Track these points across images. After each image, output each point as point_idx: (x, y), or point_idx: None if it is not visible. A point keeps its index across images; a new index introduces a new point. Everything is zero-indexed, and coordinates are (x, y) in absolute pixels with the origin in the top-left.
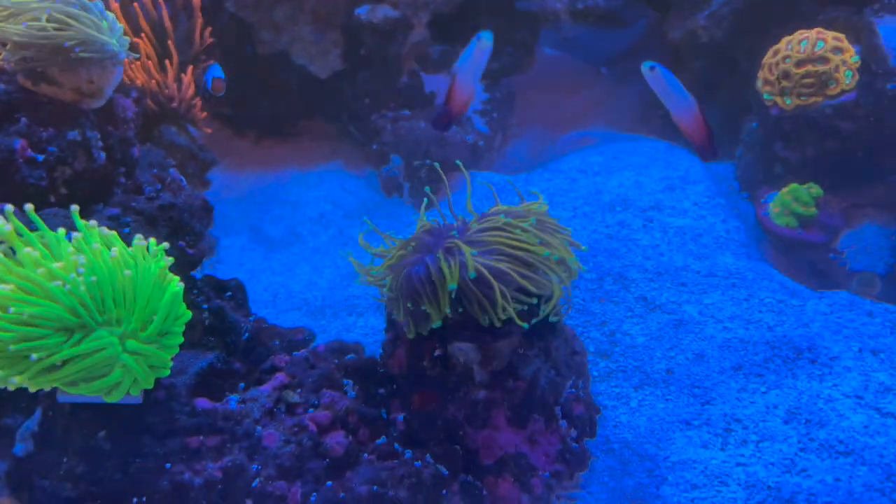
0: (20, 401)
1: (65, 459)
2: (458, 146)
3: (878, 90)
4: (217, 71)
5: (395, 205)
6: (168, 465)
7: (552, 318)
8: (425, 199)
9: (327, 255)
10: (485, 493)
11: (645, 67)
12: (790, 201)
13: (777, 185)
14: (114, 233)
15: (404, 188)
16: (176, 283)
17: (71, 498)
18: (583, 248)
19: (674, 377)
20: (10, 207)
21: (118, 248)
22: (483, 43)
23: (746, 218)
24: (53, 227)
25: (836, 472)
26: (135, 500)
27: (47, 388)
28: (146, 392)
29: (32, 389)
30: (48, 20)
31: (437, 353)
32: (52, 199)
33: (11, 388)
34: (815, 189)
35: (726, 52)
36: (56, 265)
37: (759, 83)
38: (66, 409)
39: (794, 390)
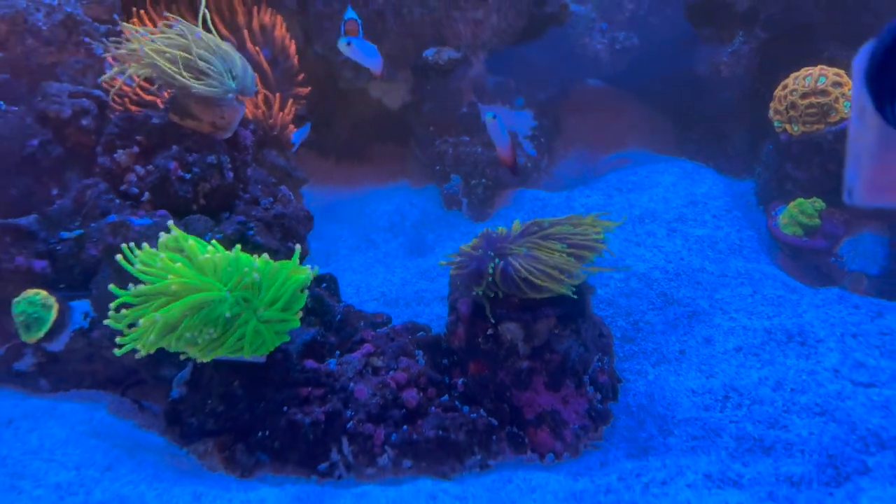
0: (174, 357)
1: (209, 401)
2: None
3: None
4: (304, 132)
5: (455, 217)
6: (285, 408)
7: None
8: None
9: (397, 259)
10: (526, 440)
11: (488, 116)
12: (797, 213)
13: (788, 200)
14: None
15: (463, 203)
16: (299, 278)
17: (212, 430)
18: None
19: (685, 357)
20: (171, 222)
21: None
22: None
23: (760, 228)
24: (197, 230)
25: (810, 428)
26: (259, 433)
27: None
28: (269, 354)
29: (201, 358)
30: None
31: (489, 331)
32: (195, 207)
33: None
34: (819, 203)
35: (747, 83)
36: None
37: (771, 112)
38: (211, 363)
39: (784, 366)
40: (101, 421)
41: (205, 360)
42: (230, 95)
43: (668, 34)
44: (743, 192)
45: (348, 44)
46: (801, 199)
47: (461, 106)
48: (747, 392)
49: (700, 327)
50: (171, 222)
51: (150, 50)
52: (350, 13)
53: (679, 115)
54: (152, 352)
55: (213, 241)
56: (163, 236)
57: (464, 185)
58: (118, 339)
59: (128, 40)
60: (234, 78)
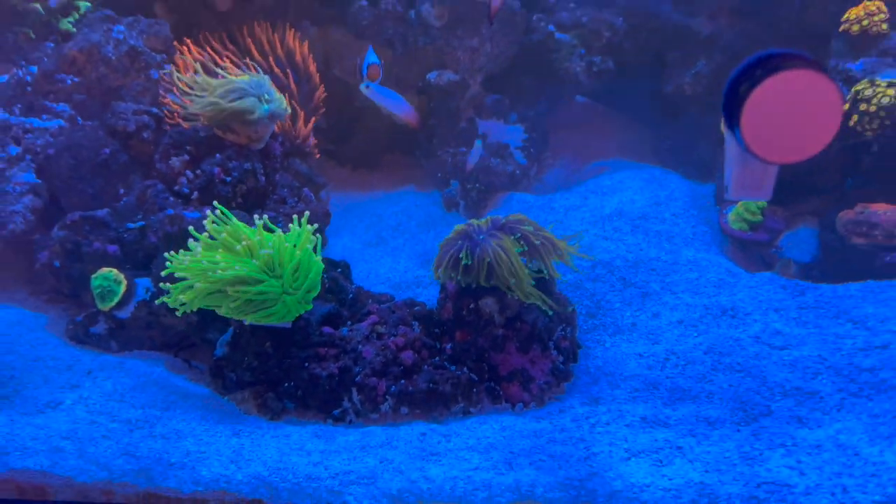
0: (217, 323)
1: (245, 358)
2: (500, 175)
3: None
4: (374, 57)
5: (453, 217)
6: (306, 364)
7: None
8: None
9: (403, 252)
10: (501, 392)
11: (362, 87)
12: (742, 211)
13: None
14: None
15: (460, 205)
16: (319, 261)
17: (248, 382)
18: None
19: (636, 328)
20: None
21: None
22: (365, 90)
23: (713, 225)
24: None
25: (730, 381)
26: (286, 384)
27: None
28: (294, 321)
29: (234, 317)
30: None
31: (471, 305)
32: (234, 204)
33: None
34: (761, 203)
35: (707, 100)
36: (244, 243)
37: (722, 126)
38: (248, 328)
39: (716, 335)
40: (160, 374)
41: (243, 321)
42: (263, 116)
43: (640, 58)
44: (704, 195)
45: (367, 87)
46: (747, 201)
47: (460, 121)
48: (683, 355)
49: (651, 304)
50: (215, 213)
51: (203, 82)
52: (371, 56)
53: (652, 127)
54: (195, 309)
55: (258, 223)
56: (208, 223)
57: (461, 190)
58: (167, 291)
59: (184, 70)
60: (267, 101)
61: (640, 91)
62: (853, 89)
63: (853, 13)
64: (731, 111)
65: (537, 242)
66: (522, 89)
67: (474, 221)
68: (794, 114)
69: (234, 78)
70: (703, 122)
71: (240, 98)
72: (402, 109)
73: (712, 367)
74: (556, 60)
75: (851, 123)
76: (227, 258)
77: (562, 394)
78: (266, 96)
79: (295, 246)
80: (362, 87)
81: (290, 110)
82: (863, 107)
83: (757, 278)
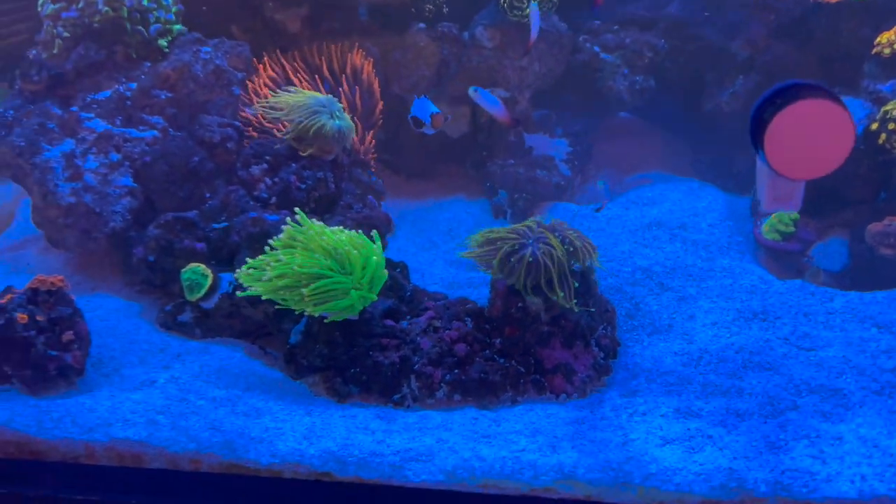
0: (292, 314)
1: (317, 346)
2: (545, 185)
3: None
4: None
5: (501, 224)
6: (370, 352)
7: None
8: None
9: (454, 255)
10: (546, 384)
11: (471, 90)
12: (776, 223)
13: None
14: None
15: (508, 213)
16: (379, 259)
17: (319, 367)
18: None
19: (672, 329)
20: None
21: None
22: (473, 94)
23: (748, 235)
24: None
25: (759, 378)
26: (352, 370)
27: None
28: (360, 313)
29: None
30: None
31: (519, 304)
32: (307, 210)
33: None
34: (794, 214)
35: (744, 117)
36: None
37: None
38: (319, 318)
39: (747, 336)
40: (240, 359)
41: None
42: (334, 132)
43: (680, 77)
44: (740, 207)
45: (475, 91)
46: (780, 213)
47: (509, 135)
48: (716, 353)
49: (686, 307)
50: (292, 218)
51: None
52: (429, 105)
53: (692, 142)
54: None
55: (338, 228)
56: (286, 227)
57: (508, 199)
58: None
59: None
60: (337, 118)
61: (680, 108)
62: (882, 109)
63: (885, 37)
64: (757, 135)
65: (579, 244)
66: (567, 105)
67: (525, 225)
68: (811, 137)
69: (307, 95)
70: (739, 137)
71: (314, 114)
72: (499, 111)
73: (743, 364)
74: (600, 79)
75: (881, 141)
76: (305, 256)
77: (602, 387)
78: (337, 113)
79: (364, 246)
80: (471, 91)
81: (355, 126)
82: (891, 125)
83: (788, 285)
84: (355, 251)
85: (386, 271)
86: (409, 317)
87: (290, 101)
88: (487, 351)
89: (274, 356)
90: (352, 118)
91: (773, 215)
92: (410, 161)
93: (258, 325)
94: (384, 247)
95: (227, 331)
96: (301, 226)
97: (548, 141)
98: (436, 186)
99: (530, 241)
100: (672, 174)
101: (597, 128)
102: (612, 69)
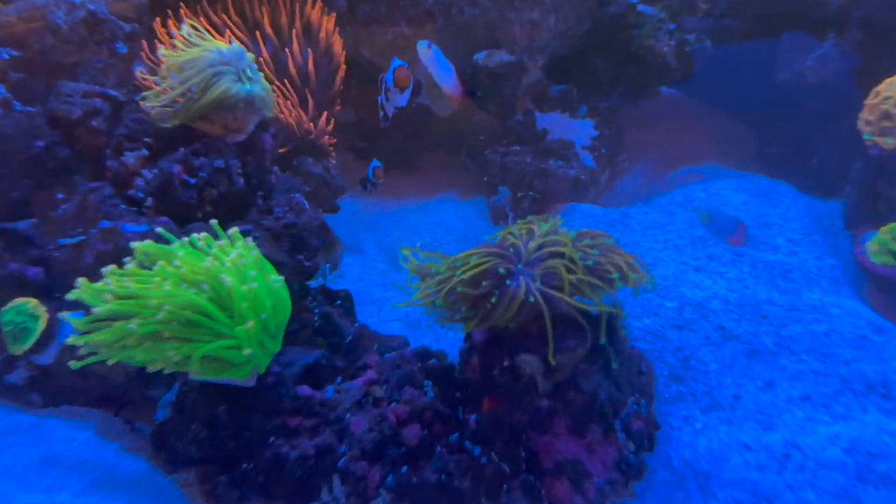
0: (162, 377)
1: (192, 426)
2: (560, 179)
3: None
4: (376, 162)
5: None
6: (271, 438)
7: (601, 342)
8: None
9: None
10: (542, 491)
11: (422, 46)
12: (888, 240)
13: (879, 225)
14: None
15: (510, 217)
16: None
17: (195, 458)
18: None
19: (740, 404)
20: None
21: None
22: (425, 51)
23: (844, 256)
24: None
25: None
26: (244, 464)
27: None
28: (259, 378)
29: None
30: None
31: (505, 363)
32: (200, 214)
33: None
34: None
35: (836, 91)
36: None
37: (861, 123)
38: (196, 385)
39: (861, 423)
40: (86, 442)
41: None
42: (241, 98)
43: (747, 37)
44: (827, 214)
45: (428, 47)
46: (894, 224)
47: (515, 114)
48: (813, 452)
49: (761, 369)
50: (160, 229)
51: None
52: (395, 61)
53: (758, 126)
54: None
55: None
56: (137, 245)
57: (511, 198)
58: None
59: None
60: (246, 80)
61: (745, 80)
62: None
63: None
64: None
65: (613, 276)
66: (594, 75)
67: (513, 232)
68: None
69: (203, 48)
70: (826, 119)
71: (214, 75)
72: (449, 82)
73: (858, 475)
74: (637, 38)
75: None
76: (171, 287)
77: (631, 497)
78: (247, 73)
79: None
80: (421, 47)
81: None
82: None
83: None
84: (244, 286)
85: (293, 307)
86: (340, 378)
87: (180, 58)
88: (455, 435)
89: (144, 433)
90: (305, 90)
91: (885, 228)
92: (390, 149)
93: (124, 389)
94: (334, 266)
95: (79, 396)
96: (169, 242)
97: (567, 122)
98: (421, 182)
99: (519, 267)
100: (732, 169)
101: (632, 105)
102: (653, 25)
